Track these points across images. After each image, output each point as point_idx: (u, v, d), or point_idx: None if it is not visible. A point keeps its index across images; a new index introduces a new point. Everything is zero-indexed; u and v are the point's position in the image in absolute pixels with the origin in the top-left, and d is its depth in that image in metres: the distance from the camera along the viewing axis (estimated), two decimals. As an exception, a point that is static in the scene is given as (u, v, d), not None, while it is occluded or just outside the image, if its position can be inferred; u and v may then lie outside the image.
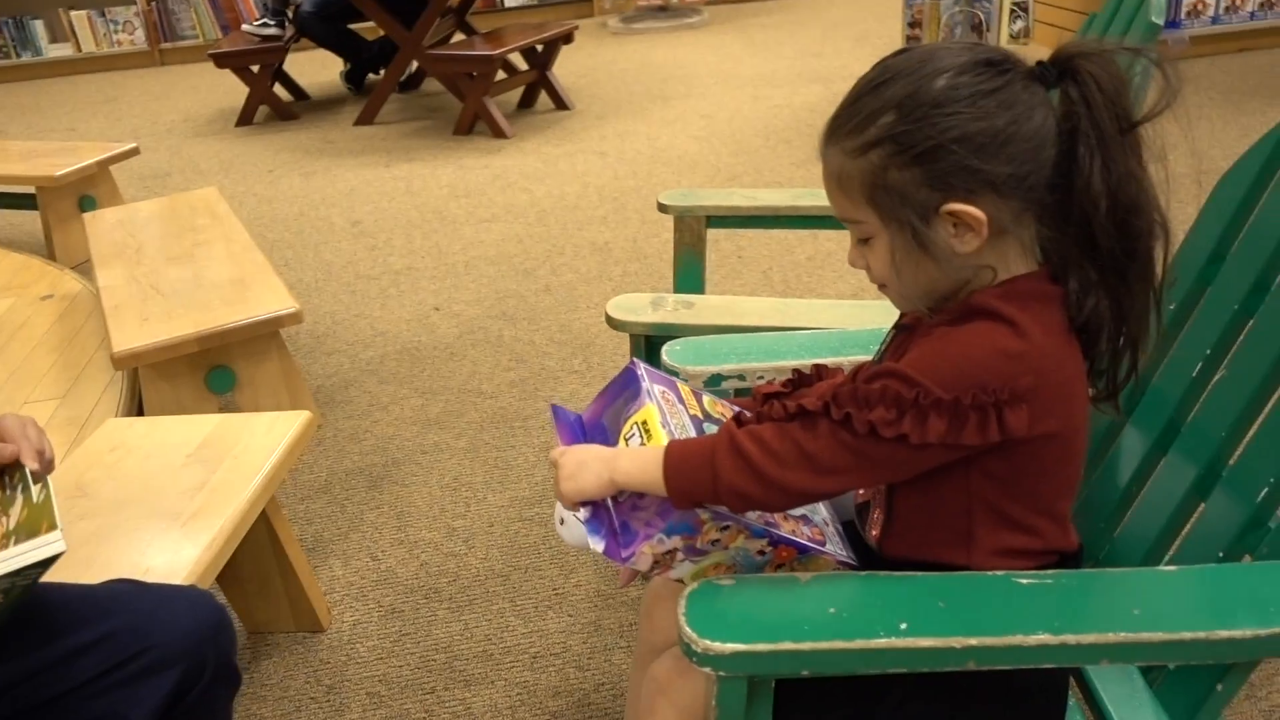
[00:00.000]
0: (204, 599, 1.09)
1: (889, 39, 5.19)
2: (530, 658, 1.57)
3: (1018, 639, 0.82)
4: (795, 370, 1.08)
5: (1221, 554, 1.03)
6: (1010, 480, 0.87)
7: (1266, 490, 1.00)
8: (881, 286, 0.91)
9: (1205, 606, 0.86)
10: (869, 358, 1.22)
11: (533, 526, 1.87)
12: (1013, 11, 4.24)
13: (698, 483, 0.85)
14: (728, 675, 0.84)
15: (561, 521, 1.89)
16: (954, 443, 0.81)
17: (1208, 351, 1.13)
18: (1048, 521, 0.90)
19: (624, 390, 0.98)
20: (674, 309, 1.45)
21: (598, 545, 0.88)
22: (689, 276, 1.93)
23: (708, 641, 0.82)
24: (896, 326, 0.97)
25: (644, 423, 0.94)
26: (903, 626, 0.83)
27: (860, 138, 0.84)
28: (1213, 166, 1.10)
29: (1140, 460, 1.16)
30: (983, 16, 4.22)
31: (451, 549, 1.83)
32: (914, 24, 4.74)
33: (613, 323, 1.47)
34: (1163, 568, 0.90)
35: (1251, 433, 1.05)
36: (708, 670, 0.83)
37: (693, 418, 0.98)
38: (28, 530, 0.93)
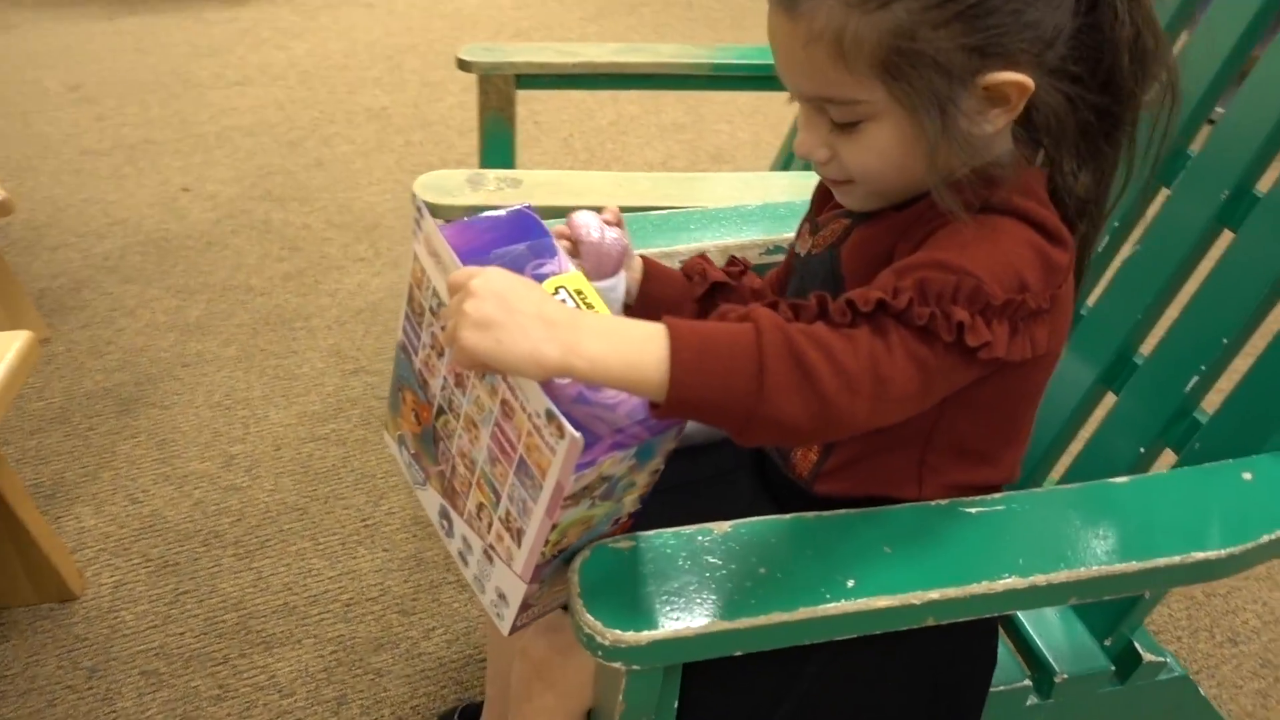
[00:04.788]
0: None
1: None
2: (343, 606, 1.34)
3: (983, 587, 0.68)
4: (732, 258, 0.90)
5: (1143, 449, 0.94)
6: (991, 407, 0.72)
7: (1197, 379, 0.90)
8: (841, 183, 0.72)
9: (1173, 525, 0.75)
10: (740, 240, 1.05)
11: (328, 446, 1.61)
12: None
13: (728, 392, 0.58)
14: (644, 669, 0.66)
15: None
16: (1003, 357, 0.64)
17: (1115, 224, 1.02)
18: (1012, 451, 0.77)
19: (522, 238, 0.72)
20: (497, 188, 1.20)
21: None
22: (497, 147, 1.66)
23: (618, 632, 0.63)
24: (850, 215, 0.77)
25: (578, 291, 0.69)
26: (850, 584, 0.67)
27: None
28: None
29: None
30: None
31: (232, 481, 1.54)
32: None
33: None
34: (1113, 480, 0.78)
35: (1175, 316, 0.95)
36: (618, 665, 0.64)
37: None
38: None
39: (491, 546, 0.70)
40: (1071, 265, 0.70)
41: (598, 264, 0.85)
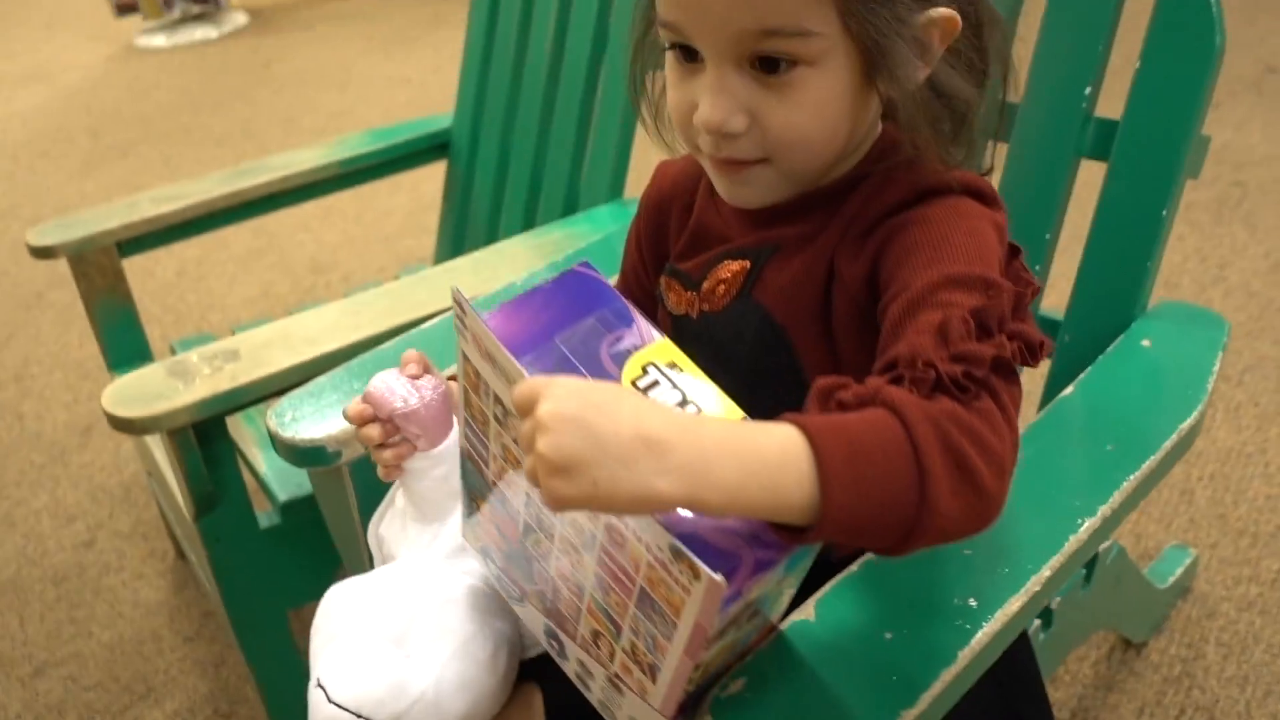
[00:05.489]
0: None
1: (99, 22, 4.42)
2: None
3: (1073, 542, 0.66)
4: None
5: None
6: None
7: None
8: (746, 166, 0.61)
9: (1146, 410, 0.77)
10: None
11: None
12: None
13: (888, 506, 0.47)
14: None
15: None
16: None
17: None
18: None
19: (585, 308, 0.57)
20: (216, 368, 0.95)
21: None
22: (123, 336, 1.37)
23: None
24: (745, 254, 0.67)
25: (671, 364, 0.54)
26: (973, 604, 0.61)
27: None
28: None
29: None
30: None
31: None
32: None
33: (128, 426, 0.92)
34: (1062, 395, 0.78)
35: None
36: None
37: None
38: None
39: (618, 676, 0.57)
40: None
41: (427, 430, 0.70)
